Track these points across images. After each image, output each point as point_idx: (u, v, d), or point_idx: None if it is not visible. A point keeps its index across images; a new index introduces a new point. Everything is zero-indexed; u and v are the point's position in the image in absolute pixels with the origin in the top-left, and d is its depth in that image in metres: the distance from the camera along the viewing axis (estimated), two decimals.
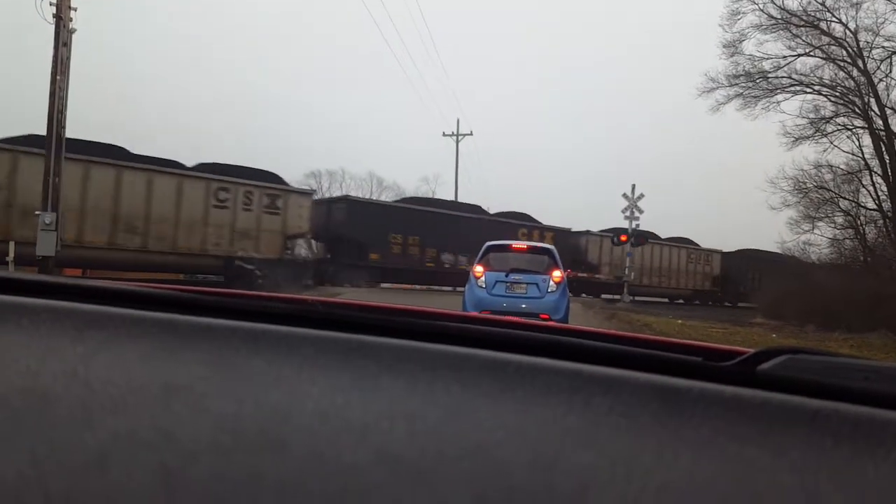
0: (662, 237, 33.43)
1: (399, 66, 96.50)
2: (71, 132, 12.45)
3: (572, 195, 79.18)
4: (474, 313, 4.96)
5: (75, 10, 12.08)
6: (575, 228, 30.68)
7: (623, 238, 23.25)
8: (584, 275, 28.33)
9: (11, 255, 12.63)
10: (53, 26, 11.83)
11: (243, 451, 0.45)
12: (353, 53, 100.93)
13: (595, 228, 32.11)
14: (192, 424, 0.47)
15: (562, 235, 28.90)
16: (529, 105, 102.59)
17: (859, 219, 20.98)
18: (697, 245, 35.04)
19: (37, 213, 12.10)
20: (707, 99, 22.04)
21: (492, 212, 30.39)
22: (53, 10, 11.84)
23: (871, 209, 20.64)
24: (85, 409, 0.48)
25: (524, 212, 29.95)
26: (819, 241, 22.30)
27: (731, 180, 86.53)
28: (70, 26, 12.02)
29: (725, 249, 36.00)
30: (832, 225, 21.75)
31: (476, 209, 28.66)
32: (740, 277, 34.86)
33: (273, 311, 0.75)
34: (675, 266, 33.18)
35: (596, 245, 29.94)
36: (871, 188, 20.58)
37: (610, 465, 0.45)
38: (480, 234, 24.66)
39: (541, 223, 30.44)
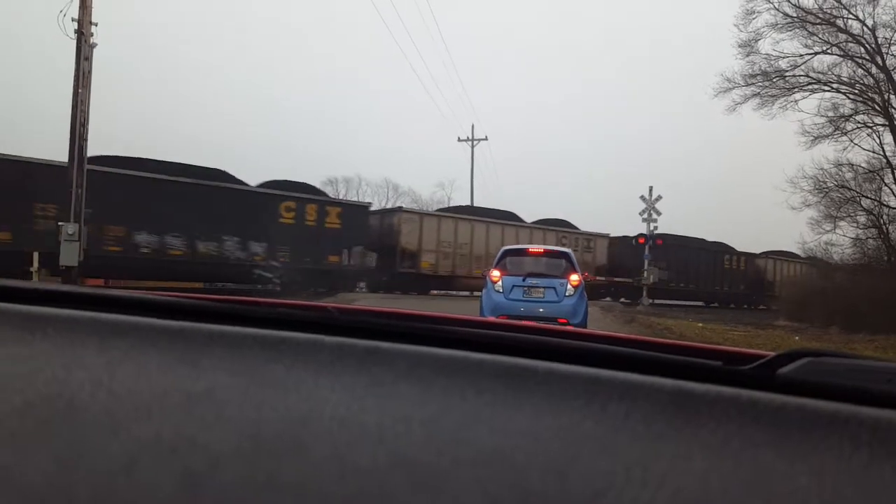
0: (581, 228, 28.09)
1: (415, 75, 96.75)
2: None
3: (588, 198, 78.91)
4: (492, 318, 4.97)
5: (96, 24, 12.30)
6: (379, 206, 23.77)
7: (641, 241, 23.05)
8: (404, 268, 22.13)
9: (35, 265, 12.85)
10: (75, 41, 12.06)
11: (264, 455, 0.45)
12: (367, 61, 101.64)
13: (600, 231, 28.19)
14: (215, 430, 0.48)
15: (354, 212, 22.18)
16: (543, 110, 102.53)
17: (882, 218, 20.62)
18: (575, 228, 28.63)
19: (60, 223, 12.31)
20: (723, 99, 21.85)
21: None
22: (75, 25, 12.08)
23: (893, 208, 20.31)
24: (110, 417, 0.50)
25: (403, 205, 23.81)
26: (841, 241, 21.96)
27: (749, 181, 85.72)
28: (91, 41, 12.24)
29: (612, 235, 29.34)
30: (854, 224, 21.41)
31: (221, 175, 19.12)
32: (637, 268, 28.31)
33: (291, 319, 0.76)
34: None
35: (414, 225, 23.31)
36: (893, 186, 20.25)
37: (625, 471, 0.45)
38: (202, 207, 17.14)
39: (325, 197, 23.21)
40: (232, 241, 18.98)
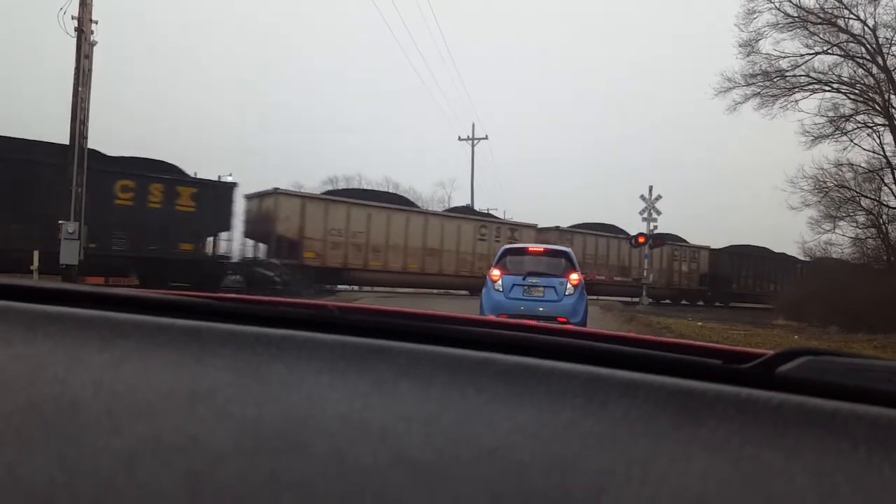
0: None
1: (417, 74, 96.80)
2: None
3: (588, 198, 78.92)
4: (492, 317, 4.96)
5: (96, 22, 12.29)
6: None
7: (641, 240, 23.00)
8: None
9: (36, 263, 12.84)
10: (75, 39, 12.04)
11: (266, 454, 0.46)
12: (369, 61, 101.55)
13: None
14: (217, 429, 0.48)
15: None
16: (544, 110, 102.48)
17: (881, 217, 20.60)
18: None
19: (60, 222, 12.30)
20: (724, 99, 21.83)
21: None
22: (75, 23, 12.07)
23: (893, 207, 20.29)
24: (112, 416, 0.50)
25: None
26: (841, 240, 21.94)
27: (747, 181, 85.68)
28: (91, 39, 12.23)
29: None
30: (854, 224, 21.39)
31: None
32: None
33: (293, 317, 0.76)
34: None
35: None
36: (893, 186, 20.24)
37: (625, 469, 0.46)
38: None
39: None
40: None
